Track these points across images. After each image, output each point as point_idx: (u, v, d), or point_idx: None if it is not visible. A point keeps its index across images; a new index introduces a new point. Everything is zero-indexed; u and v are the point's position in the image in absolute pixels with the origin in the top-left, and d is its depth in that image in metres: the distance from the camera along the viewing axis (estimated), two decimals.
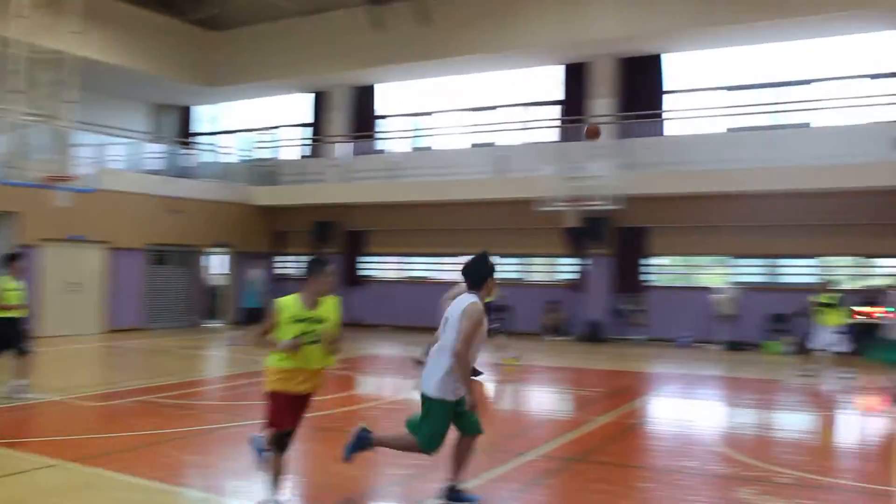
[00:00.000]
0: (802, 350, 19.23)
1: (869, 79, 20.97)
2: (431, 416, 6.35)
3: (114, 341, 20.18)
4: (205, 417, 10.62)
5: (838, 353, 15.02)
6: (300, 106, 28.78)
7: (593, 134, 13.93)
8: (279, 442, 6.32)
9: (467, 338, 6.16)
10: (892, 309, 18.98)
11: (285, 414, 6.29)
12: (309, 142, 28.00)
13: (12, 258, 11.66)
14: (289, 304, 6.18)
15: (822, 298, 14.99)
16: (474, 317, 6.20)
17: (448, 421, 6.39)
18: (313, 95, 28.00)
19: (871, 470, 8.43)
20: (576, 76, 23.55)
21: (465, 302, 6.31)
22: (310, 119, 28.27)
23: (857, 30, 20.35)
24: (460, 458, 6.64)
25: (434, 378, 6.32)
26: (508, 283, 24.35)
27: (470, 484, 7.33)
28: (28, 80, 16.54)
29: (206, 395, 13.14)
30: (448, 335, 6.28)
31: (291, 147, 28.97)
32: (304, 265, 6.28)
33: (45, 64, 16.88)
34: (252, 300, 20.08)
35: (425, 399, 6.38)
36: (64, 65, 16.89)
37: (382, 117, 27.26)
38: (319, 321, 6.20)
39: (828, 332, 14.86)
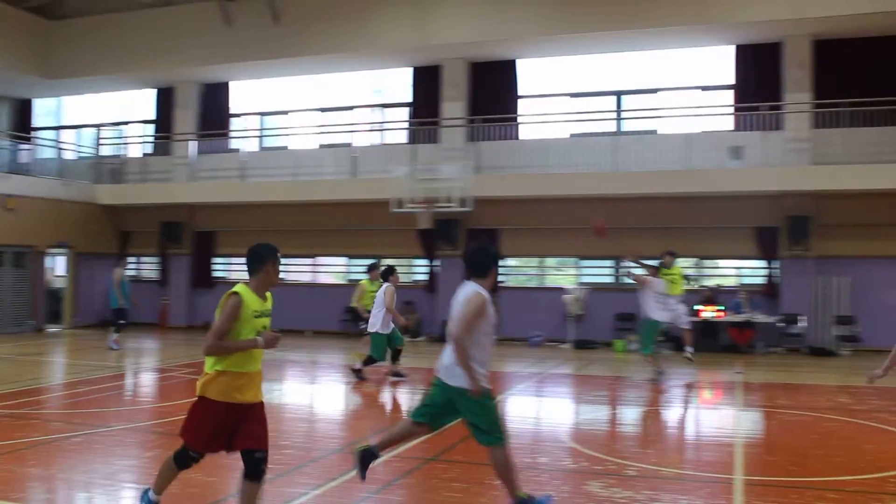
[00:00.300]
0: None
1: (700, 90, 22.13)
2: (481, 407, 6.24)
3: None
4: (45, 427, 10.13)
5: (686, 329, 15.70)
6: (146, 102, 27.84)
7: (600, 232, 14.23)
8: (183, 461, 5.84)
9: (467, 323, 6.14)
10: (724, 308, 20.18)
11: (206, 433, 5.67)
12: (156, 139, 27.08)
13: None
14: (249, 297, 5.62)
15: (667, 271, 15.60)
16: (474, 302, 6.19)
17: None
18: (156, 91, 27.16)
19: (710, 460, 8.89)
20: (427, 79, 23.74)
21: (467, 290, 6.31)
22: (154, 116, 27.38)
23: (693, 44, 21.49)
24: (397, 441, 6.72)
25: (458, 371, 6.22)
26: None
27: (327, 487, 7.30)
28: None
29: (47, 403, 12.53)
30: (450, 325, 6.27)
31: (137, 144, 27.97)
32: (254, 253, 5.66)
33: None
34: (116, 301, 19.29)
35: (461, 395, 6.23)
36: None
37: (236, 115, 26.68)
38: (269, 315, 5.81)
39: (675, 303, 15.41)
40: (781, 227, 20.45)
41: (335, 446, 9.51)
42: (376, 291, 14.55)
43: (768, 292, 20.73)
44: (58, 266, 25.60)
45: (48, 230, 24.00)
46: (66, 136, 29.50)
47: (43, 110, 30.00)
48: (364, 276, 15.65)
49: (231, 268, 26.15)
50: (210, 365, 5.64)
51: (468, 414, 6.28)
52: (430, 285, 23.23)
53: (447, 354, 6.35)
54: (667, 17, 20.12)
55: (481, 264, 6.37)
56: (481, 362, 6.23)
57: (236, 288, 5.59)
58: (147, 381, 15.11)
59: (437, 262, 23.16)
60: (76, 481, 7.59)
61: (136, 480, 7.61)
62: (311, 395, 14.38)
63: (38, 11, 25.74)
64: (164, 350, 20.07)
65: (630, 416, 12.23)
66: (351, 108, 25.53)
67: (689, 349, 15.69)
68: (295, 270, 25.54)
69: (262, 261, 5.65)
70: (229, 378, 5.61)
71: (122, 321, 19.17)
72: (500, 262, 6.42)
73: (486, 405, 6.24)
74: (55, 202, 24.18)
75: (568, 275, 23.45)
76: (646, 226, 21.41)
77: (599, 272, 22.81)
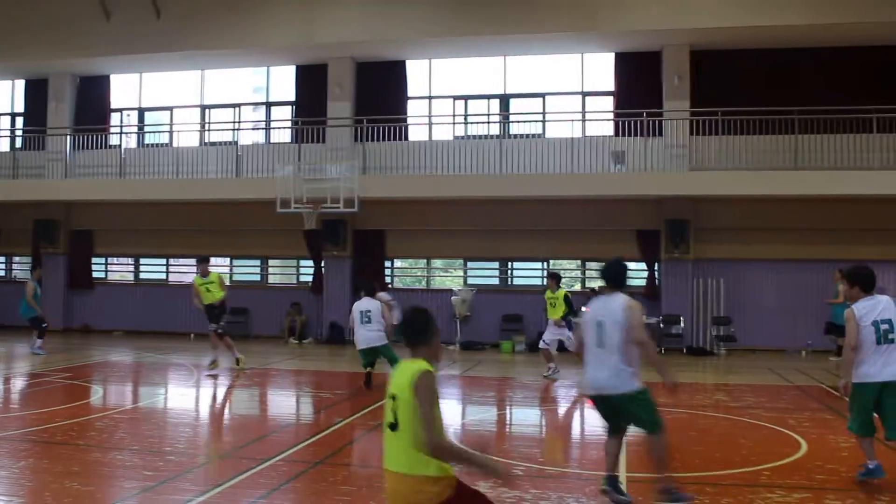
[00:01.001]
0: (533, 348, 20.50)
1: (583, 96, 22.70)
2: (644, 405, 6.75)
3: None
4: None
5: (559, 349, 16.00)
6: (16, 93, 26.71)
7: None
8: None
9: (642, 327, 6.74)
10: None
11: None
12: (26, 133, 25.99)
13: None
14: None
15: (547, 294, 15.92)
16: (638, 308, 6.78)
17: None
18: (24, 82, 26.14)
19: (594, 458, 9.14)
20: (312, 77, 23.57)
21: (620, 300, 6.76)
22: (22, 108, 26.32)
23: (577, 50, 22.07)
24: (617, 457, 7.08)
25: (619, 377, 6.67)
26: (248, 286, 24.09)
27: (211, 493, 7.19)
28: None
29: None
30: (612, 336, 6.67)
31: (5, 138, 26.79)
32: (427, 324, 4.55)
33: None
34: (28, 309, 18.81)
35: (624, 398, 6.69)
36: None
37: (117, 111, 25.87)
38: None
39: (552, 327, 15.76)
40: (662, 231, 21.15)
41: (220, 452, 9.36)
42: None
43: (650, 294, 21.41)
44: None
45: None
46: None
47: None
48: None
49: (111, 268, 25.39)
50: (422, 467, 4.22)
51: (639, 412, 6.77)
52: (317, 286, 23.09)
53: (604, 369, 6.72)
54: (551, 23, 20.58)
55: (623, 276, 7.00)
56: (638, 362, 6.78)
57: (424, 365, 4.34)
58: (20, 386, 14.51)
59: (323, 264, 23.03)
60: None
61: (7, 492, 7.33)
62: (196, 399, 14.09)
63: None
64: (37, 355, 19.32)
65: (518, 416, 12.44)
66: (235, 105, 25.12)
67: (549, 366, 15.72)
68: (178, 271, 24.98)
69: (434, 334, 4.54)
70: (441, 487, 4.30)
71: (44, 324, 18.88)
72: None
73: (649, 399, 6.80)
74: None
75: (455, 276, 23.68)
76: (531, 227, 21.84)
77: (486, 274, 23.12)
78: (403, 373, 4.29)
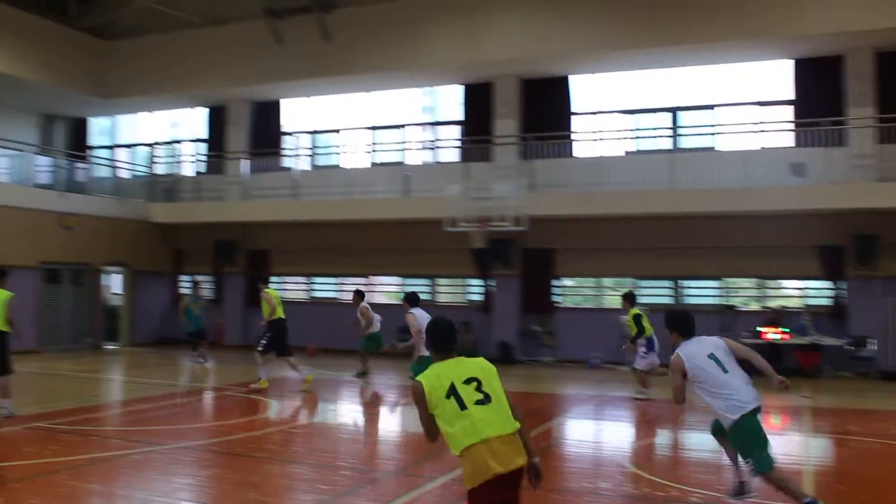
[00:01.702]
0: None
1: (759, 106, 21.88)
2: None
3: None
4: (104, 444, 10.32)
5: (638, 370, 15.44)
6: (199, 120, 28.32)
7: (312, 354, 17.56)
8: None
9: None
10: (789, 330, 19.85)
11: None
12: (209, 158, 27.50)
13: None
14: None
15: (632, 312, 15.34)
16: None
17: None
18: (208, 110, 27.63)
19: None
20: (478, 96, 23.83)
21: (716, 340, 7.48)
22: (206, 134, 27.83)
23: (750, 58, 21.29)
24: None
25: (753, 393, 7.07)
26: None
27: None
28: None
29: (105, 420, 12.77)
30: (729, 361, 7.18)
31: (190, 163, 28.47)
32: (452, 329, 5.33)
33: None
34: (196, 322, 21.07)
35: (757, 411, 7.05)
36: None
37: (288, 134, 27.05)
38: None
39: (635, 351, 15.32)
40: (847, 247, 20.07)
41: (392, 468, 9.54)
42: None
43: (835, 314, 20.35)
44: (114, 284, 26.10)
45: (104, 248, 24.49)
46: (120, 154, 30.12)
47: (98, 129, 30.70)
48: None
49: (285, 287, 26.40)
50: (516, 425, 5.15)
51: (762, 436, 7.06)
52: (486, 305, 23.21)
53: (749, 389, 7.03)
54: (723, 32, 19.92)
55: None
56: None
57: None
58: (203, 399, 15.30)
59: (491, 282, 23.15)
60: (135, 499, 7.72)
61: (193, 499, 7.72)
62: (368, 416, 14.44)
63: (92, 31, 26.40)
64: (219, 369, 20.30)
65: (693, 440, 12.08)
66: (402, 125, 25.73)
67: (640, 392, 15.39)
68: (349, 290, 25.63)
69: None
70: None
71: (201, 338, 21.08)
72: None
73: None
74: (111, 220, 24.68)
75: None
76: (703, 244, 21.20)
77: (658, 293, 22.60)
78: (469, 363, 5.15)
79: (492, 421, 4.92)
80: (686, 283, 22.40)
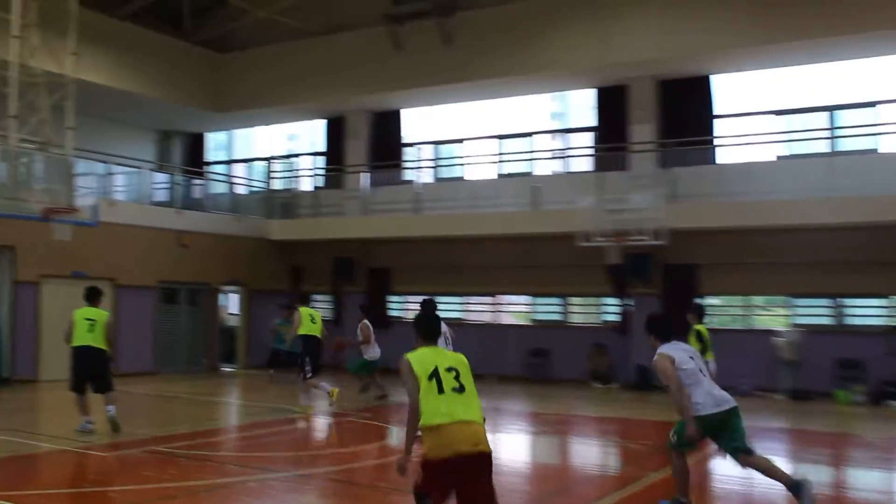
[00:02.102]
0: (876, 399, 19.04)
1: None
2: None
3: (121, 386, 20.13)
4: (221, 470, 10.60)
5: None
6: (317, 133, 28.98)
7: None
8: None
9: None
10: None
11: None
12: (327, 172, 28.10)
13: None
14: None
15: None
16: None
17: None
18: (326, 122, 28.25)
19: None
20: (612, 100, 23.58)
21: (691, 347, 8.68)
22: (324, 147, 28.51)
23: None
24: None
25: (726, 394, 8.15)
26: (548, 325, 24.35)
27: None
28: (25, 104, 16.74)
29: (222, 445, 13.12)
30: (703, 365, 8.32)
31: (307, 177, 29.21)
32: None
33: (44, 88, 17.12)
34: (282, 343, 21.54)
35: (735, 411, 8.09)
36: (64, 89, 17.15)
37: (409, 145, 27.43)
38: None
39: None
40: None
41: (522, 500, 9.45)
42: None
43: None
44: (231, 304, 26.90)
45: (221, 267, 25.30)
46: (237, 169, 31.14)
47: (214, 144, 31.83)
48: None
49: (407, 306, 26.64)
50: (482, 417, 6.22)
51: (739, 424, 8.14)
52: (622, 326, 22.85)
53: (715, 388, 8.14)
54: (883, 21, 19.08)
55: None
56: None
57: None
58: (322, 425, 15.56)
59: (629, 301, 22.79)
60: None
61: None
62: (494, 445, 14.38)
63: (207, 45, 27.47)
64: (340, 393, 20.55)
65: (863, 480, 11.54)
66: (530, 134, 25.70)
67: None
68: (475, 310, 25.78)
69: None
70: None
71: (283, 363, 21.31)
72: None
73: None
74: (227, 238, 25.48)
75: (778, 315, 22.51)
76: (868, 258, 20.29)
77: (816, 313, 21.77)
78: (449, 354, 6.30)
79: (464, 408, 5.94)
80: (848, 301, 21.51)
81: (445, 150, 27.47)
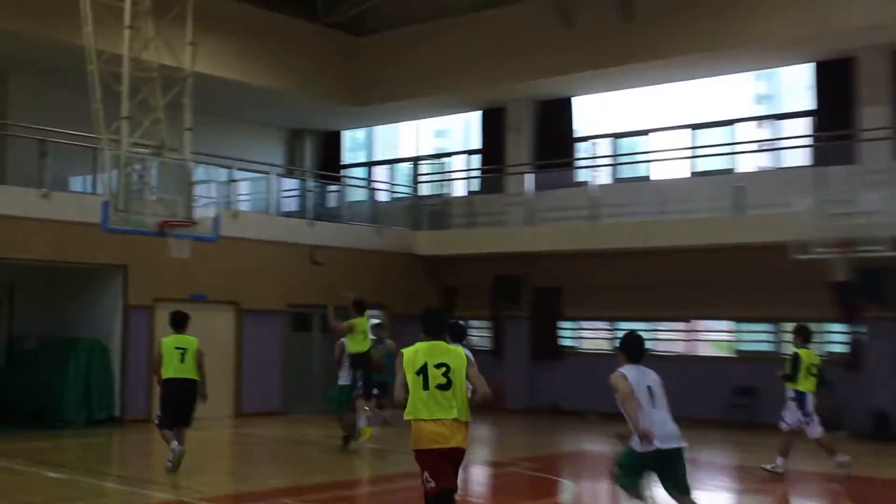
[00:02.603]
0: None
1: None
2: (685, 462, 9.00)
3: (245, 428, 20.63)
4: None
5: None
6: (471, 128, 29.04)
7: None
8: None
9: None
10: None
11: None
12: (484, 173, 28.12)
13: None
14: None
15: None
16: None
17: None
18: (481, 114, 28.30)
19: None
20: (834, 77, 22.75)
21: (655, 374, 9.31)
22: (480, 144, 28.56)
23: None
24: None
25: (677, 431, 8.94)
26: (756, 358, 23.60)
27: None
28: (137, 104, 17.21)
29: (359, 500, 13.16)
30: (661, 397, 9.12)
31: (461, 180, 29.37)
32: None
33: (158, 84, 17.56)
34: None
35: (680, 452, 8.89)
36: (181, 84, 17.55)
37: (582, 139, 27.22)
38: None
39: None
40: None
41: None
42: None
43: None
44: (372, 331, 27.15)
45: (360, 287, 25.31)
46: (378, 173, 31.57)
47: (351, 144, 32.34)
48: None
49: (581, 333, 26.33)
50: (468, 415, 7.97)
51: (683, 465, 8.99)
52: (853, 360, 21.91)
53: (669, 427, 8.89)
54: None
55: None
56: None
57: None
58: (479, 476, 15.45)
59: (860, 328, 21.85)
60: None
61: None
62: None
63: (342, 28, 27.87)
64: (501, 439, 20.46)
65: None
66: (730, 122, 25.11)
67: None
68: (664, 338, 25.37)
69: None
70: None
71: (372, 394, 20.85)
72: None
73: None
74: (367, 253, 25.76)
75: None
76: None
77: None
78: (446, 349, 7.97)
79: (444, 405, 7.63)
80: None
81: (626, 144, 27.16)
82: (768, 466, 15.07)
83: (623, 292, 25.05)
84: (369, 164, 32.10)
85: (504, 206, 26.48)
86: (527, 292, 26.45)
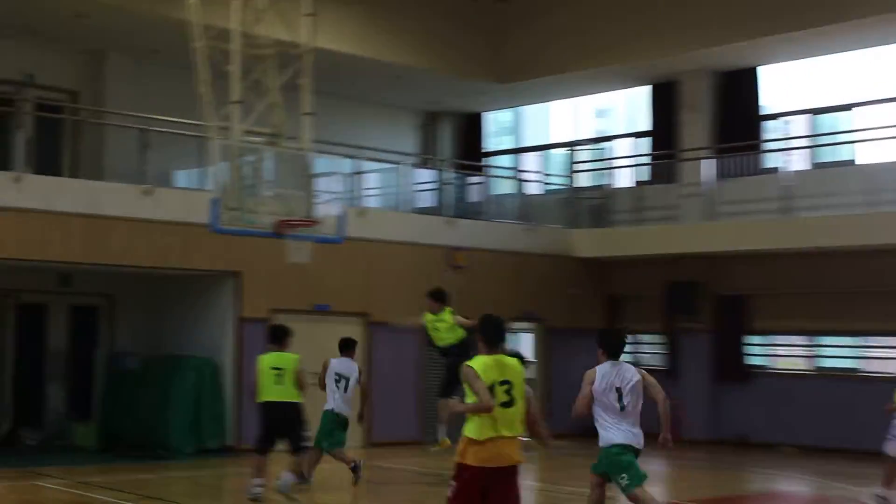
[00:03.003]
0: None
1: None
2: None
3: (375, 460, 20.43)
4: None
5: None
6: (639, 106, 28.56)
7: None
8: None
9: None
10: None
11: None
12: (654, 160, 27.66)
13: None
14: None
15: None
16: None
17: None
18: (650, 90, 27.94)
19: None
20: None
21: (635, 373, 11.16)
22: (648, 125, 28.26)
23: None
24: None
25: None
26: None
27: None
28: (250, 86, 17.11)
29: None
30: (634, 408, 11.01)
31: (626, 168, 29.01)
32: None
33: (273, 63, 17.48)
34: None
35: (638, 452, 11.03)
36: (298, 62, 17.40)
37: (772, 117, 26.62)
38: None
39: None
40: None
41: None
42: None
43: None
44: (522, 346, 26.90)
45: (507, 296, 25.03)
46: (526, 161, 31.27)
47: (495, 128, 32.10)
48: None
49: (773, 350, 25.60)
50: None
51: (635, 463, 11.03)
52: None
53: (633, 432, 10.96)
54: None
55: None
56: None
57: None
58: None
59: None
60: None
61: None
62: None
63: None
64: (677, 475, 19.99)
65: None
66: None
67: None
68: (877, 356, 24.68)
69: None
70: None
71: None
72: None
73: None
74: (516, 256, 25.59)
75: None
76: None
77: None
78: (508, 364, 9.02)
79: (509, 423, 8.80)
80: None
81: (826, 121, 26.42)
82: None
83: (824, 300, 24.61)
84: (517, 152, 31.87)
85: (678, 198, 26.02)
86: (706, 301, 25.91)
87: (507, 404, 8.75)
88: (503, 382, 8.78)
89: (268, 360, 14.68)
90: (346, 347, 16.08)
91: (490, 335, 9.09)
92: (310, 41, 17.69)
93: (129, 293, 22.91)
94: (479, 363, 8.82)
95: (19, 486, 14.58)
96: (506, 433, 8.71)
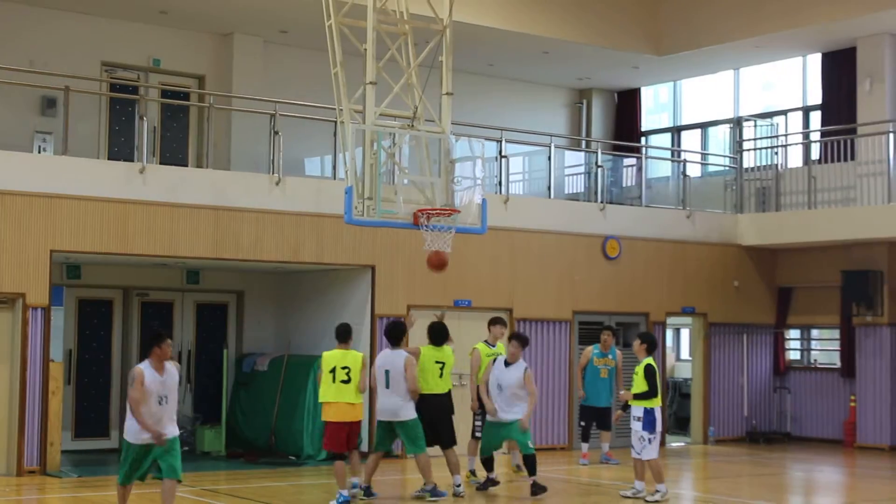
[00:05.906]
0: None
1: None
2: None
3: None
4: None
5: None
6: (810, 77, 28.23)
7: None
8: None
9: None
10: None
11: None
12: (828, 136, 27.18)
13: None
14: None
15: None
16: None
17: None
18: (821, 58, 27.60)
19: None
20: None
21: (398, 358, 15.20)
22: (820, 98, 27.88)
23: None
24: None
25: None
26: None
27: None
28: (385, 65, 17.21)
29: None
30: (399, 386, 15.19)
31: (796, 146, 28.55)
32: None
33: (410, 39, 17.62)
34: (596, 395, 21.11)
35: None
36: (437, 38, 17.46)
37: None
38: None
39: None
40: None
41: None
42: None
43: None
44: (681, 344, 26.73)
45: (664, 288, 25.01)
46: (686, 140, 31.07)
47: (653, 105, 31.96)
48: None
49: None
50: None
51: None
52: None
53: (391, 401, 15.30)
54: None
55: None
56: None
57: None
58: None
59: None
60: None
61: None
62: None
63: None
64: (854, 485, 19.79)
65: None
66: None
67: None
68: None
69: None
70: None
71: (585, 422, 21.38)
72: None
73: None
74: (675, 245, 25.48)
75: None
76: None
77: None
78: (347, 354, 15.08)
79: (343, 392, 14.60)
80: None
81: None
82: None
83: None
84: (675, 130, 31.59)
85: (856, 178, 25.63)
86: (888, 292, 25.46)
87: (345, 381, 12.55)
88: (343, 367, 13.81)
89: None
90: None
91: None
92: (449, 16, 17.80)
93: (258, 290, 23.35)
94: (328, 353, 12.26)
95: (146, 495, 14.96)
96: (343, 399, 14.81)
